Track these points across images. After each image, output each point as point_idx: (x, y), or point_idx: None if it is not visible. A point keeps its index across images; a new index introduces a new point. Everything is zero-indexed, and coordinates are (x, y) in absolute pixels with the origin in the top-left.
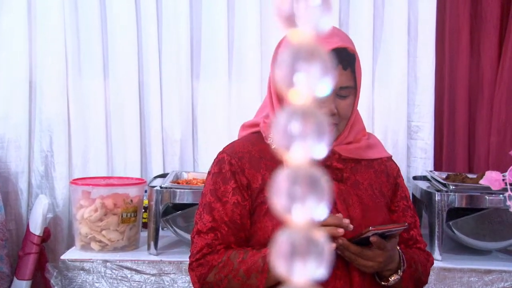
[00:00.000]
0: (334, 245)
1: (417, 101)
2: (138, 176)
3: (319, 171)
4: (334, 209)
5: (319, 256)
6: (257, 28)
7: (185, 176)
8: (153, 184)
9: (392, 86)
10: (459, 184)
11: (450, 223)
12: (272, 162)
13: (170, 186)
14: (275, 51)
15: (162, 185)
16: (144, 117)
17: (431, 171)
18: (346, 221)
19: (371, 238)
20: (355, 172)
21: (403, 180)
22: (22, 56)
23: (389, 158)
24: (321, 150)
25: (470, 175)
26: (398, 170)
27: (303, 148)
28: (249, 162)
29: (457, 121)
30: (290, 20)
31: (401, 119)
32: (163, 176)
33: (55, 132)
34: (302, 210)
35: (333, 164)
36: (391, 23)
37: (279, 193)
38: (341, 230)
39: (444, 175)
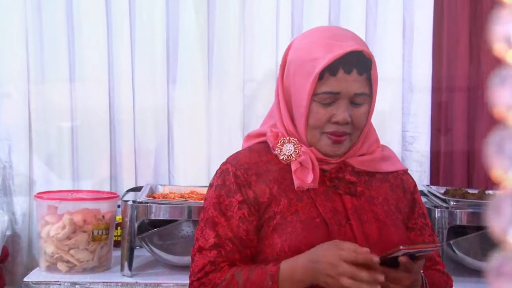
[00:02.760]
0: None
1: (412, 110)
2: (107, 190)
3: None
4: (348, 226)
5: None
6: (239, 29)
7: (161, 189)
8: (126, 198)
9: (385, 94)
10: (460, 199)
11: (451, 242)
12: (279, 174)
13: (146, 201)
14: (284, 57)
15: (137, 200)
16: (114, 125)
17: (427, 185)
18: (376, 258)
19: (401, 258)
20: (370, 186)
21: (420, 195)
22: None
23: (405, 171)
24: None
25: (470, 190)
26: (415, 185)
27: None
28: (255, 175)
29: (455, 132)
30: (507, 42)
31: (396, 129)
32: (137, 189)
33: (14, 141)
34: None
35: (346, 177)
36: (384, 24)
37: (497, 215)
38: (364, 274)
39: (442, 190)
